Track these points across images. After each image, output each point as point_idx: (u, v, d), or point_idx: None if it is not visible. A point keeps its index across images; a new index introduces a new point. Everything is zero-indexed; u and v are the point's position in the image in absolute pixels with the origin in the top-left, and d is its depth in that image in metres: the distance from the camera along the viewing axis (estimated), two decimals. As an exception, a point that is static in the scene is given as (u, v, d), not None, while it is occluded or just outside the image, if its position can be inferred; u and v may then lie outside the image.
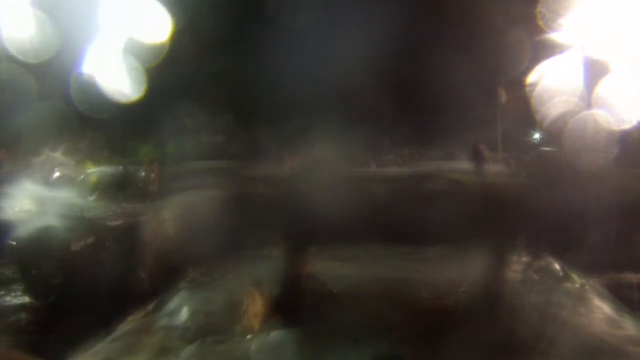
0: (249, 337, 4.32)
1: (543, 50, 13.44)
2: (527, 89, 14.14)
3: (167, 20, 12.95)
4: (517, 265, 5.82)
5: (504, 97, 18.07)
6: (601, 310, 4.29)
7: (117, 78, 12.84)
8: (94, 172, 12.86)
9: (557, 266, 5.65)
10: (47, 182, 11.71)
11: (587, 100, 12.71)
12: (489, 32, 14.21)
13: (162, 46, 12.90)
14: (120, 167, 13.05)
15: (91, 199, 11.47)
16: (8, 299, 7.12)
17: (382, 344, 3.71)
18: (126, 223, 8.50)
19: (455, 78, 13.52)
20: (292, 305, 4.67)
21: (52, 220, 8.01)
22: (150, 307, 5.83)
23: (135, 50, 12.76)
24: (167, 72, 13.17)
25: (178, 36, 13.17)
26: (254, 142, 16.84)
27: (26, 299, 7.11)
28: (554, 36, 12.97)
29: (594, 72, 12.81)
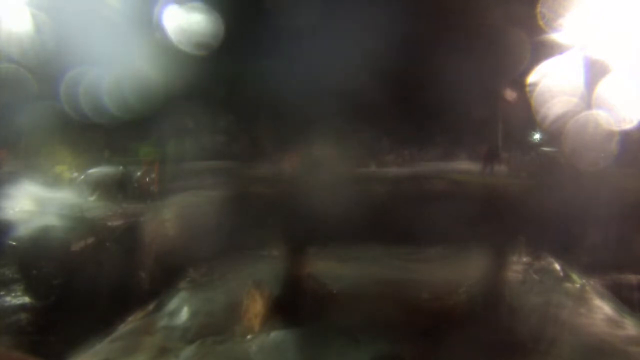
0: (249, 337, 4.32)
1: (543, 50, 13.41)
2: (527, 89, 14.11)
3: (167, 21, 12.94)
4: (517, 265, 5.82)
5: (504, 97, 18.07)
6: (601, 310, 4.30)
7: (116, 78, 12.85)
8: (94, 172, 12.86)
9: (557, 266, 5.66)
10: (47, 182, 11.70)
11: (587, 100, 12.68)
12: (489, 32, 14.20)
13: (161, 47, 12.90)
14: (120, 167, 13.05)
15: (91, 199, 11.49)
16: (8, 299, 7.10)
17: (382, 344, 3.71)
18: (126, 223, 8.52)
19: (455, 78, 13.51)
20: (292, 305, 4.67)
21: (52, 220, 8.01)
22: (150, 307, 5.83)
23: (134, 51, 12.76)
24: (167, 73, 13.16)
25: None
26: (254, 142, 16.83)
27: (26, 299, 7.10)
28: (554, 36, 12.94)
29: (594, 72, 12.79)
